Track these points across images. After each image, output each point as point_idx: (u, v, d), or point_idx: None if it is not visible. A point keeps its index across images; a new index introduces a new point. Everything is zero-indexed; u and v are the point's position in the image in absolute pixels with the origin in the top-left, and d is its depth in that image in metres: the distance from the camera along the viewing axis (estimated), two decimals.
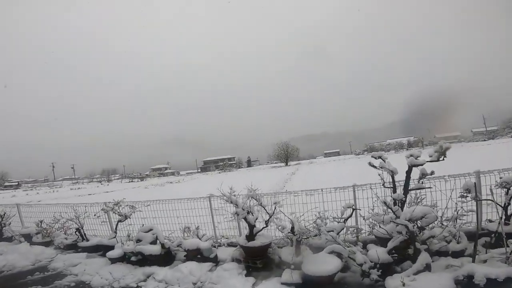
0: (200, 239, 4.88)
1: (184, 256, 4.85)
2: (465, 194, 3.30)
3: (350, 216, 3.85)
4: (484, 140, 53.31)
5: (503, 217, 3.03)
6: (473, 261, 2.66)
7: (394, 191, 3.39)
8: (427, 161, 3.25)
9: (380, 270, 2.84)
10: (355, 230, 4.09)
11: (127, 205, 5.56)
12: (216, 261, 4.56)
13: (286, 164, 53.90)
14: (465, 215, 3.55)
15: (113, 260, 4.97)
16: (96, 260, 5.22)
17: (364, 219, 3.92)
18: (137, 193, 21.00)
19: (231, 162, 79.66)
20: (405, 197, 3.26)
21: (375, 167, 3.48)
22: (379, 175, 3.51)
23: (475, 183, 3.24)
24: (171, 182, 35.38)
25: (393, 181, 3.41)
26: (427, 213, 2.54)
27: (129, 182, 55.94)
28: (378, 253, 2.89)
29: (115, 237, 5.52)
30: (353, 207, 3.84)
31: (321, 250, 3.35)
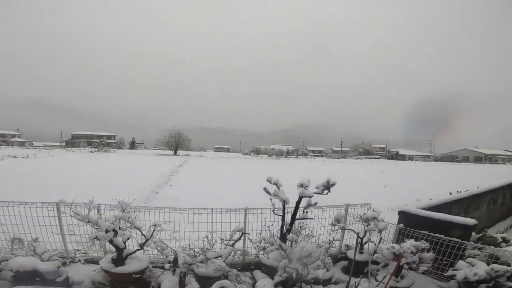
0: (40, 256, 3.60)
1: (12, 277, 3.48)
2: (335, 223, 3.75)
3: (239, 239, 3.77)
4: (338, 158, 67.82)
5: (361, 247, 3.63)
6: None
7: (283, 219, 3.49)
8: (315, 193, 3.50)
9: None
10: (242, 253, 4.04)
11: None
12: (67, 285, 3.47)
13: (175, 154, 51.39)
14: (334, 242, 4.07)
15: None
16: None
17: (251, 241, 3.91)
18: None
19: (110, 141, 69.19)
20: (291, 225, 3.41)
21: (269, 193, 3.48)
22: (271, 200, 3.56)
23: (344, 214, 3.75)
24: (14, 157, 26.99)
25: (284, 210, 3.50)
26: (312, 252, 2.70)
27: None
28: (266, 284, 2.92)
29: None
30: (243, 231, 3.77)
31: (209, 280, 3.06)
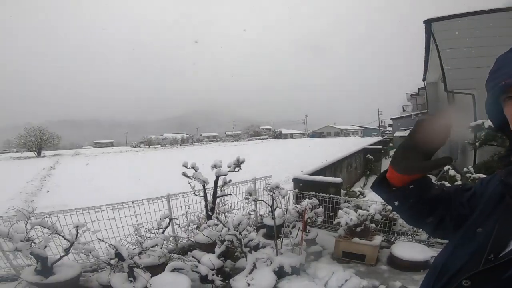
0: None
1: None
2: (248, 197, 4.20)
3: (168, 226, 3.69)
4: (232, 141, 71.41)
5: (273, 214, 4.22)
6: (277, 255, 3.45)
7: (206, 199, 3.64)
8: (229, 171, 3.80)
9: (219, 275, 3.00)
10: (175, 239, 3.95)
11: None
12: None
13: (39, 155, 40.69)
14: (251, 213, 4.55)
15: None
16: None
17: (179, 226, 3.89)
18: None
19: None
20: (214, 203, 3.64)
21: (188, 177, 3.52)
22: (189, 183, 3.62)
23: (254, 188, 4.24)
24: None
25: (204, 190, 3.63)
26: (241, 220, 3.00)
27: None
28: (211, 259, 3.02)
29: None
30: (170, 217, 3.67)
31: (156, 269, 2.94)
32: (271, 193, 4.21)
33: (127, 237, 3.35)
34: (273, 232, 3.63)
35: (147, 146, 60.56)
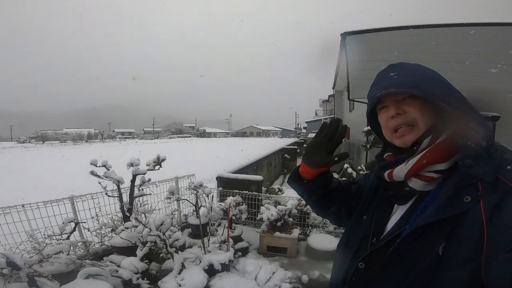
0: None
1: None
2: (170, 196, 4.00)
3: (74, 230, 3.15)
4: (151, 139, 66.28)
5: (197, 212, 4.12)
6: (205, 253, 3.34)
7: (121, 200, 3.25)
8: (148, 170, 3.53)
9: (145, 278, 2.74)
10: (85, 244, 3.35)
11: None
12: None
13: None
14: (174, 213, 4.29)
15: None
16: None
17: (89, 230, 3.38)
18: None
19: None
20: (131, 204, 3.29)
21: (98, 176, 3.08)
22: (100, 183, 3.17)
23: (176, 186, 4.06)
24: None
25: (119, 190, 3.24)
26: (164, 219, 2.81)
27: None
28: (134, 263, 2.73)
29: None
30: (75, 221, 3.09)
31: (64, 277, 2.49)
32: (195, 191, 4.13)
33: (20, 245, 2.77)
34: (199, 231, 3.55)
35: (41, 142, 50.26)
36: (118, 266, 2.71)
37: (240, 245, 3.90)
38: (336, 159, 0.82)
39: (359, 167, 7.94)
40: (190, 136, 79.47)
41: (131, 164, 3.40)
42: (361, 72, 9.30)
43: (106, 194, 3.26)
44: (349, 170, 7.54)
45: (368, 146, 8.64)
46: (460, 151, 0.60)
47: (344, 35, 10.22)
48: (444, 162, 0.63)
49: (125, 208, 3.20)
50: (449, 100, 0.62)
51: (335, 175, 0.94)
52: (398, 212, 0.70)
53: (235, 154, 20.06)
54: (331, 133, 0.82)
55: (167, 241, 2.78)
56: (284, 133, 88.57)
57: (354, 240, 0.77)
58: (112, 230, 3.44)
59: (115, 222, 3.53)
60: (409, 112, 0.66)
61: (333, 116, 19.68)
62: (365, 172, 6.89)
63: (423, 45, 8.75)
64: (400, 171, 0.67)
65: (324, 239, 4.00)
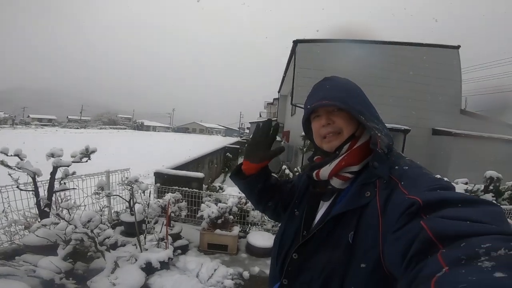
0: None
1: None
2: (99, 191, 3.63)
3: None
4: (77, 128, 58.50)
5: (132, 209, 3.80)
6: (141, 251, 3.09)
7: (37, 194, 2.77)
8: (73, 162, 3.14)
9: (70, 278, 2.40)
10: None
11: None
12: None
13: None
14: (103, 209, 3.85)
15: None
16: None
17: None
18: None
19: None
20: (50, 199, 2.82)
21: (9, 167, 2.57)
22: (10, 175, 2.66)
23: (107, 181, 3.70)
24: None
25: (35, 183, 2.76)
26: (92, 216, 2.51)
27: None
28: (55, 262, 2.38)
29: None
30: None
31: None
32: (129, 187, 3.85)
33: None
34: (134, 229, 3.31)
35: None
36: (35, 266, 2.35)
37: (179, 242, 3.78)
38: (275, 152, 0.96)
39: (295, 169, 8.48)
40: (125, 128, 72.94)
41: (52, 155, 2.98)
42: (306, 79, 9.89)
43: (17, 187, 2.76)
44: (287, 171, 7.99)
45: (304, 149, 9.29)
46: (371, 155, 0.72)
47: (296, 42, 10.72)
48: (357, 165, 0.75)
49: (42, 204, 2.77)
50: (366, 114, 0.74)
51: (274, 176, 1.06)
52: (323, 207, 0.81)
53: (176, 150, 19.22)
54: (266, 132, 0.96)
55: (96, 238, 2.52)
56: (228, 132, 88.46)
57: (289, 233, 0.85)
58: (26, 228, 2.95)
59: (28, 219, 3.03)
60: (337, 122, 0.77)
61: (275, 118, 20.54)
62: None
63: (360, 59, 9.58)
64: (324, 172, 0.78)
65: (263, 236, 4.15)
